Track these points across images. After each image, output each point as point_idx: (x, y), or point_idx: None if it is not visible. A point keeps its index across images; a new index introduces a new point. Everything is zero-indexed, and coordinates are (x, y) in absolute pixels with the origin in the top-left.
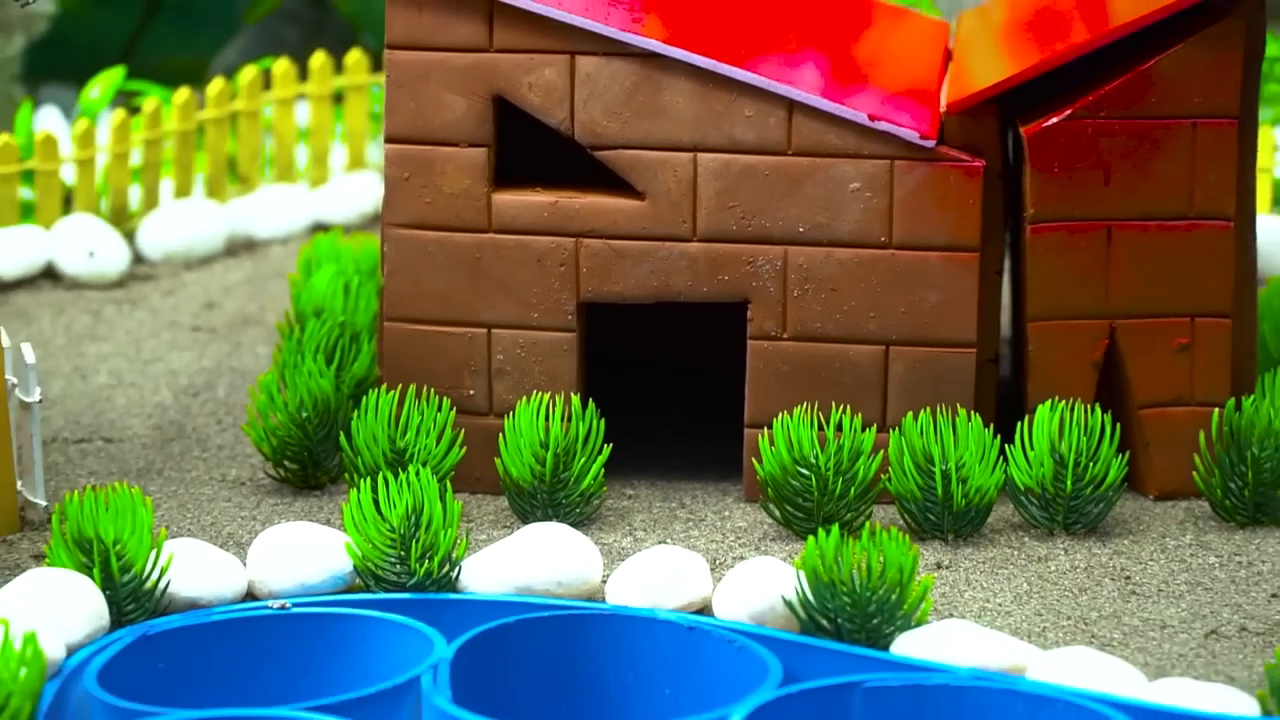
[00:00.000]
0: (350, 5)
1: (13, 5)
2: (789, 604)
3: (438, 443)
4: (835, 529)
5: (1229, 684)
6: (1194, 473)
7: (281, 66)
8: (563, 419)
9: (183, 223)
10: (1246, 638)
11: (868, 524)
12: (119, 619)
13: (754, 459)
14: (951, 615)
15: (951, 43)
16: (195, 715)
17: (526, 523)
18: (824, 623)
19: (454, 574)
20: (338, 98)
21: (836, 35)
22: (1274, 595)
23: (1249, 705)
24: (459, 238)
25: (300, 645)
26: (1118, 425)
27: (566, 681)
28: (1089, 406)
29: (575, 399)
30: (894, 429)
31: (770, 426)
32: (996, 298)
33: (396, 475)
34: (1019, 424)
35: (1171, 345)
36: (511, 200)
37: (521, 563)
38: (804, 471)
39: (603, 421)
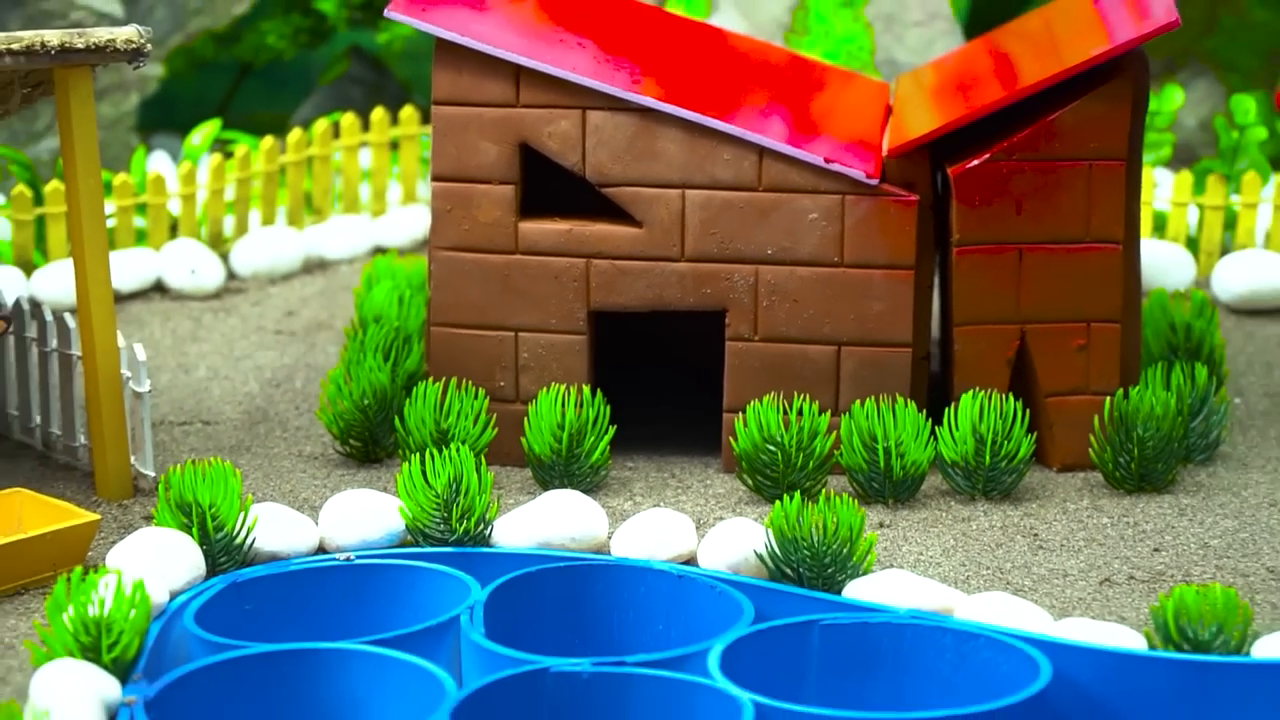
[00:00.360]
0: (404, 70)
1: (128, 69)
2: (760, 556)
3: (474, 425)
4: (797, 495)
5: (1120, 623)
6: (1090, 449)
7: (348, 120)
8: (576, 405)
9: (267, 246)
10: (1134, 584)
11: (823, 491)
12: (213, 569)
13: (731, 438)
14: (892, 566)
15: (891, 100)
16: (275, 648)
17: (546, 489)
18: (788, 571)
19: (487, 532)
20: (394, 145)
21: (798, 94)
22: (1156, 550)
23: (1138, 641)
24: (491, 258)
25: (362, 590)
26: (1027, 410)
27: (579, 619)
28: (1004, 395)
29: (586, 389)
30: (845, 413)
31: (744, 411)
32: (928, 307)
33: (441, 451)
34: (946, 409)
35: (1071, 345)
36: (534, 228)
37: (542, 522)
38: (771, 448)
39: (608, 407)
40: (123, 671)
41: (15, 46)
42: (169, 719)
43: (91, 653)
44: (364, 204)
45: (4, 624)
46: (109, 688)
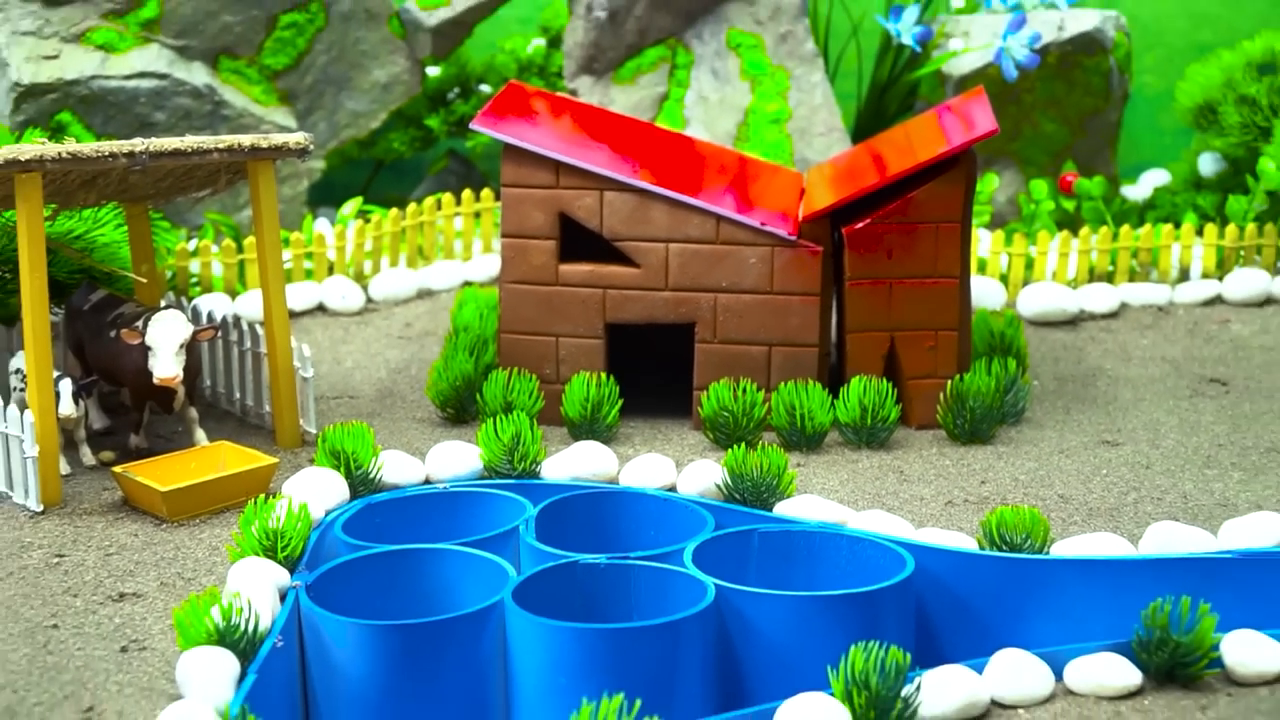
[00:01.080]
0: (484, 165)
1: (299, 163)
2: (718, 485)
3: (529, 398)
4: (743, 445)
5: (960, 532)
6: (937, 415)
7: (447, 198)
8: (596, 386)
9: (393, 280)
10: (969, 505)
11: (760, 442)
12: (354, 495)
13: (699, 407)
14: (806, 492)
15: (804, 184)
16: (395, 548)
17: (577, 441)
18: (737, 496)
19: (537, 469)
20: (477, 215)
21: (742, 181)
22: (983, 482)
23: (972, 544)
24: (540, 289)
25: (454, 509)
26: (896, 389)
27: (597, 528)
28: (880, 379)
29: (603, 375)
30: (774, 391)
31: (707, 389)
32: (828, 320)
33: (507, 416)
34: (841, 388)
35: (925, 345)
36: (569, 269)
37: (574, 463)
38: (725, 413)
39: (618, 387)
40: (291, 565)
41: (221, 145)
42: (322, 597)
43: (270, 552)
44: (457, 253)
45: (212, 533)
46: (281, 576)
